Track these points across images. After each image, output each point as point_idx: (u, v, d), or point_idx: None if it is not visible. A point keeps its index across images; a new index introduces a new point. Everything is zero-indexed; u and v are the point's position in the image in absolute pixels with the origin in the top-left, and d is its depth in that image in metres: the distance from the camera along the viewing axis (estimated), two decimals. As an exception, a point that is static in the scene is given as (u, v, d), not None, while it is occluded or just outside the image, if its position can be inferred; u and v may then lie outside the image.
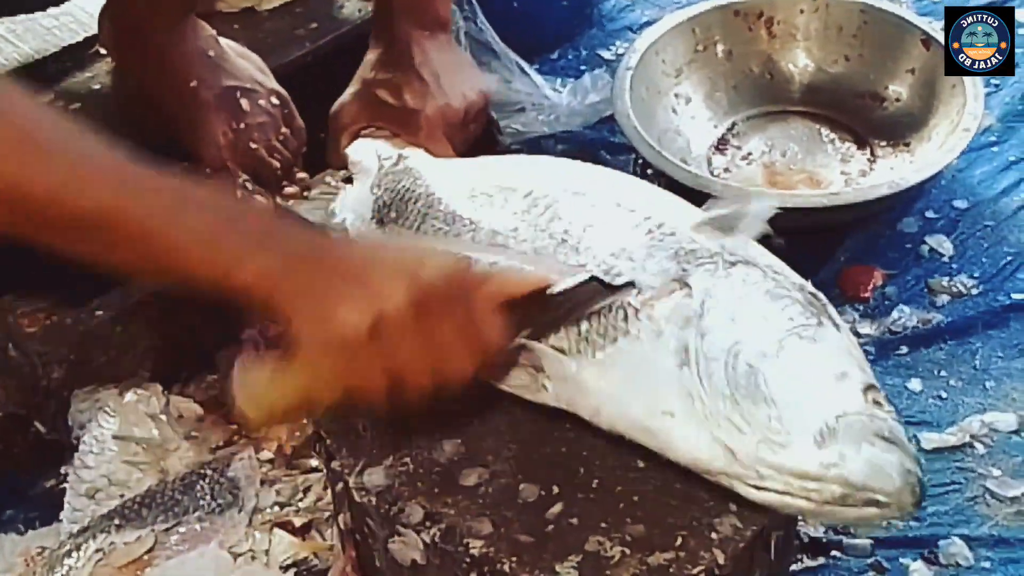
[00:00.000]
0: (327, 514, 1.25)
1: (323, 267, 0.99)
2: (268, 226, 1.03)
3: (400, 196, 1.28)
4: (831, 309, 1.08)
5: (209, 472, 1.29)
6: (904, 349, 1.47)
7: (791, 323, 1.04)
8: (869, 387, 1.02)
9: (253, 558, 1.25)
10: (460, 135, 1.41)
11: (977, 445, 1.36)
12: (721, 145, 1.74)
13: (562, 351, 1.05)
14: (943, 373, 1.44)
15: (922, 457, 1.03)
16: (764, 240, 1.52)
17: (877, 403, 1.01)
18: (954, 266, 1.56)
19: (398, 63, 1.40)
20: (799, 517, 1.16)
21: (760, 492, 0.99)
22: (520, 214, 1.18)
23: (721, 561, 0.98)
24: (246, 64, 1.48)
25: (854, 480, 0.96)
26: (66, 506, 1.29)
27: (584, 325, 1.05)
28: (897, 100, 1.73)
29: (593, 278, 1.06)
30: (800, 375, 1.01)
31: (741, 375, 1.00)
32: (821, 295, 1.09)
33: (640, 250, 1.10)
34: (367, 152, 1.38)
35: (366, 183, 1.34)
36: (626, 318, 1.04)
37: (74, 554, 1.23)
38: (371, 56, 1.43)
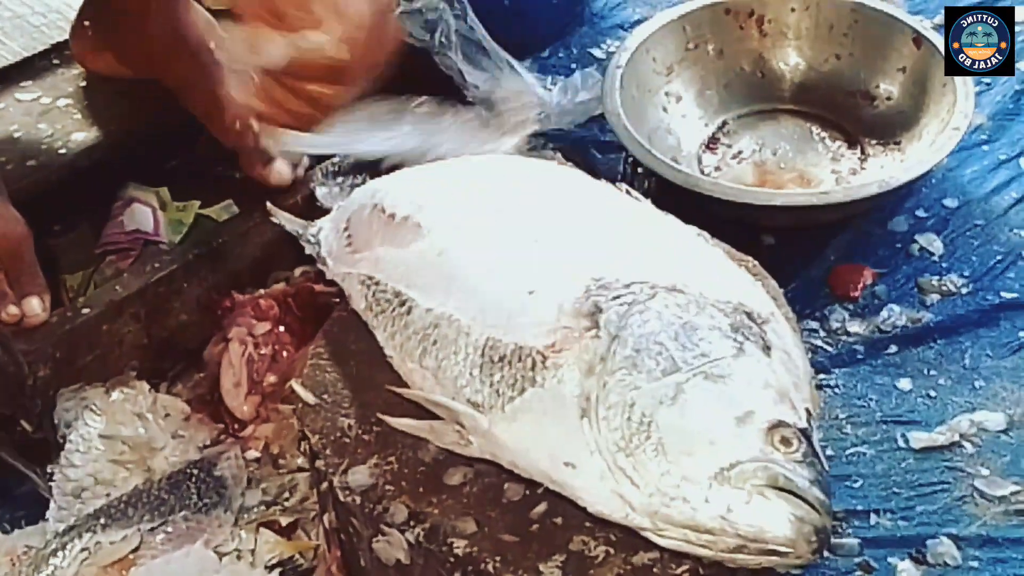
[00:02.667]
0: (313, 513, 1.25)
1: None
2: None
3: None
4: (769, 328, 1.05)
5: (195, 471, 1.29)
6: (894, 348, 1.46)
7: (701, 360, 1.00)
8: (776, 425, 0.98)
9: (239, 557, 1.24)
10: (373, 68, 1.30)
11: (966, 444, 1.36)
12: (712, 144, 1.74)
13: (477, 405, 1.03)
14: (932, 372, 1.43)
15: (827, 502, 0.98)
16: (754, 238, 1.53)
17: (783, 442, 0.98)
18: (944, 265, 1.56)
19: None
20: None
21: (664, 540, 0.97)
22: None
23: (705, 561, 0.98)
24: None
25: (744, 532, 0.94)
26: (52, 505, 1.29)
27: (496, 376, 1.03)
28: (888, 99, 1.72)
29: None
30: (696, 422, 0.97)
31: (635, 425, 0.97)
32: (762, 313, 1.06)
33: (555, 288, 1.07)
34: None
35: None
36: (534, 367, 1.01)
37: (60, 553, 1.23)
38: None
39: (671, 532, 0.96)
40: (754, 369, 1.01)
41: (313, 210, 1.38)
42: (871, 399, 1.40)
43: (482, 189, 1.23)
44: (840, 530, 1.28)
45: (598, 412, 0.98)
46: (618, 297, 1.03)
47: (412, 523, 1.02)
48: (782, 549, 0.95)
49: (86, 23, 1.54)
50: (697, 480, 0.95)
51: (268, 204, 1.39)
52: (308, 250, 1.31)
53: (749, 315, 1.05)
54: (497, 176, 1.28)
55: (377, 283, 1.16)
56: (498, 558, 0.99)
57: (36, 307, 1.28)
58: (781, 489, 0.95)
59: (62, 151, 1.47)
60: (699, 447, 0.96)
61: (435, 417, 1.07)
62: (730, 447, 0.96)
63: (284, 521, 1.27)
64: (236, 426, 1.35)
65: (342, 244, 1.25)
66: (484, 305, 1.07)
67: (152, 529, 1.25)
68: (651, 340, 1.01)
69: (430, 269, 1.13)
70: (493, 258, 1.12)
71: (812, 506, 0.95)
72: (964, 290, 1.52)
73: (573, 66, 1.86)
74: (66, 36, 1.60)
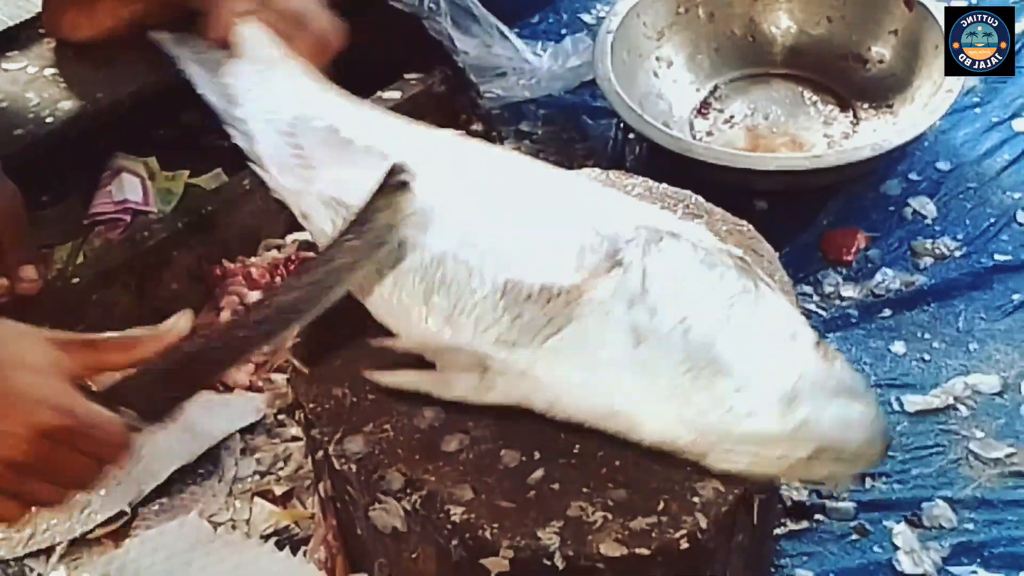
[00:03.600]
0: (308, 482, 1.25)
1: None
2: None
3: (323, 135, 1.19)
4: (759, 270, 1.07)
5: (189, 439, 1.29)
6: (887, 312, 1.46)
7: (732, 290, 1.02)
8: (818, 342, 1.02)
9: (234, 527, 1.24)
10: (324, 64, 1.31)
11: (960, 407, 1.36)
12: (703, 108, 1.73)
13: (510, 344, 1.02)
14: (926, 335, 1.44)
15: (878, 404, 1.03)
16: (746, 203, 1.52)
17: (828, 358, 1.01)
18: (937, 228, 1.55)
19: None
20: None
21: (727, 464, 0.98)
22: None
23: (703, 525, 0.97)
24: None
25: (824, 439, 0.97)
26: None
27: (526, 315, 1.02)
28: (880, 62, 1.72)
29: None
30: (753, 341, 1.00)
31: (696, 348, 0.98)
32: (747, 257, 1.08)
33: (567, 241, 1.06)
34: (261, 43, 1.27)
35: (264, 69, 1.25)
36: (568, 304, 1.01)
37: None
38: None
39: (739, 453, 0.97)
40: (775, 299, 1.04)
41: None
42: (865, 363, 1.40)
43: (437, 145, 1.19)
44: (835, 494, 1.28)
45: (652, 341, 0.99)
46: (630, 240, 1.04)
47: (408, 490, 1.01)
48: (853, 453, 0.97)
49: None
50: (771, 394, 0.97)
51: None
52: (235, 138, 1.21)
53: (741, 258, 1.07)
54: (447, 142, 1.23)
55: (348, 208, 1.11)
56: (495, 525, 0.98)
57: (31, 274, 1.28)
58: (847, 394, 0.98)
59: (49, 120, 1.46)
60: (764, 362, 0.99)
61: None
62: (792, 361, 0.99)
63: (279, 490, 1.26)
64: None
65: (287, 152, 1.18)
66: (489, 248, 1.05)
67: (146, 500, 1.25)
68: (682, 274, 1.03)
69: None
70: (481, 203, 1.10)
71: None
72: (957, 253, 1.52)
73: (563, 31, 1.86)
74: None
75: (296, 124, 1.19)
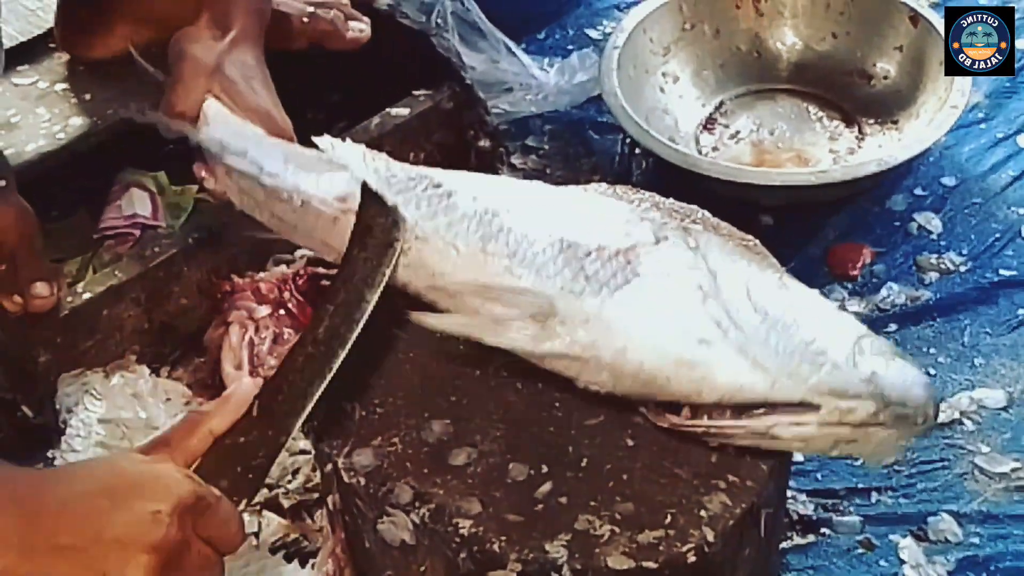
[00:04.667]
0: (316, 496, 1.25)
1: (40, 530, 0.85)
2: None
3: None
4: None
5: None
6: (893, 326, 1.47)
7: (772, 268, 1.08)
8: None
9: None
10: None
11: (966, 422, 1.36)
12: (709, 124, 1.74)
13: (577, 293, 1.04)
14: (932, 350, 1.44)
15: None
16: (752, 218, 1.53)
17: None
18: (942, 243, 1.56)
19: (242, 50, 1.34)
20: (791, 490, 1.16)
21: (797, 428, 1.00)
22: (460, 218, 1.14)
23: (711, 539, 0.98)
24: None
25: (888, 393, 1.00)
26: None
27: (590, 268, 1.04)
28: (885, 77, 1.72)
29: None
30: (811, 307, 1.05)
31: (767, 304, 1.02)
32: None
33: (613, 216, 1.11)
34: (225, 122, 1.29)
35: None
36: (629, 262, 1.04)
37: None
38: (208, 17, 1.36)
39: (810, 407, 0.99)
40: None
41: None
42: (871, 377, 1.41)
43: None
44: (841, 508, 1.29)
45: (720, 296, 1.02)
46: (666, 223, 1.09)
47: (417, 504, 1.02)
48: (911, 412, 1.00)
49: (77, 2, 1.53)
50: (841, 347, 1.00)
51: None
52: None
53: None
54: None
55: (386, 159, 1.16)
56: (503, 538, 0.99)
57: (43, 291, 1.28)
58: (904, 358, 1.03)
59: (60, 136, 1.47)
60: (829, 322, 1.03)
61: None
62: (848, 326, 1.04)
63: (287, 503, 1.27)
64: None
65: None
66: (542, 207, 1.10)
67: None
68: (727, 250, 1.07)
69: (455, 177, 1.15)
70: (515, 193, 1.14)
71: None
72: (963, 268, 1.53)
73: (569, 47, 1.87)
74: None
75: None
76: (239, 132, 1.26)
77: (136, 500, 0.87)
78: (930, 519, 1.27)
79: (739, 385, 1.00)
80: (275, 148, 1.23)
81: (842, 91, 1.74)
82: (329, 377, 1.01)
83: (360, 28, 1.49)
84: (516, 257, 1.05)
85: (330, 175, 1.16)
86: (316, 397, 1.00)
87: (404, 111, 1.51)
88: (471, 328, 1.07)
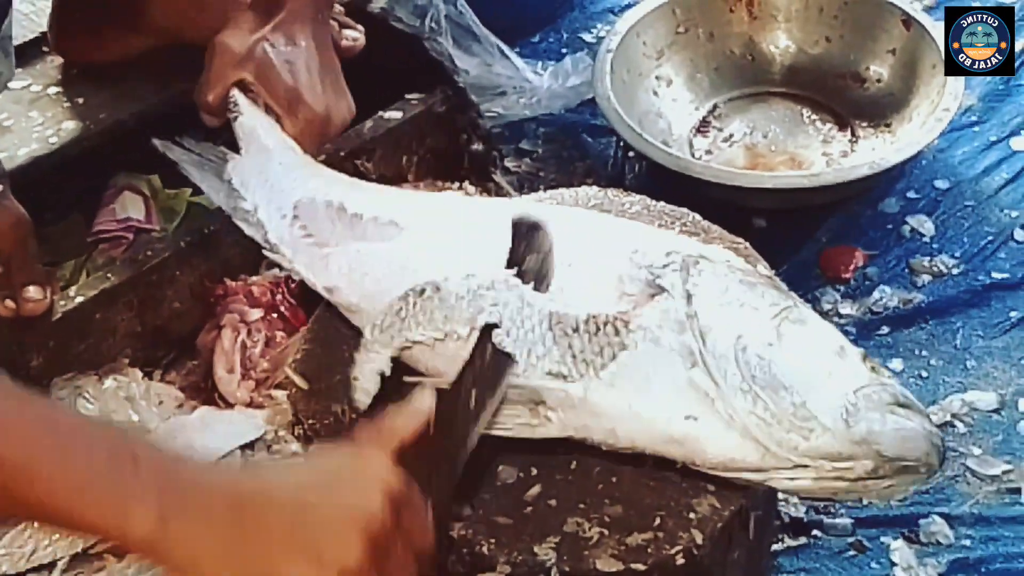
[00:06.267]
0: (308, 498, 1.25)
1: (250, 526, 0.85)
2: (168, 473, 0.86)
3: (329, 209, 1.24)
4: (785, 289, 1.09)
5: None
6: (885, 329, 1.47)
7: (776, 308, 1.04)
8: (864, 356, 1.04)
9: (234, 543, 1.24)
10: (318, 145, 1.35)
11: (958, 424, 1.36)
12: (703, 127, 1.74)
13: (563, 377, 1.02)
14: (924, 353, 1.44)
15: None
16: (746, 221, 1.53)
17: (876, 370, 1.03)
18: (935, 246, 1.56)
19: (288, 33, 1.33)
20: (787, 496, 1.16)
21: (793, 482, 0.99)
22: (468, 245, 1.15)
23: (699, 541, 0.98)
24: None
25: (886, 452, 0.97)
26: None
27: (577, 345, 1.02)
28: (878, 81, 1.73)
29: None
30: (807, 358, 1.01)
31: (755, 368, 0.99)
32: (774, 277, 1.10)
33: (605, 271, 1.08)
34: (256, 119, 1.31)
35: (263, 164, 1.29)
36: (617, 332, 1.02)
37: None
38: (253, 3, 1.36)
39: (806, 470, 0.98)
40: (814, 315, 1.06)
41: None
42: (863, 380, 1.41)
43: (435, 199, 1.27)
44: (832, 510, 1.29)
45: (708, 363, 0.99)
46: (666, 266, 1.06)
47: (407, 507, 1.02)
48: (914, 464, 0.98)
49: (72, 9, 1.54)
50: (832, 408, 0.98)
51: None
52: (248, 231, 1.25)
53: (770, 277, 1.09)
54: (451, 201, 1.30)
55: (367, 275, 1.16)
56: (492, 540, 0.99)
57: (36, 295, 1.28)
58: (903, 407, 0.99)
59: (53, 140, 1.47)
60: (821, 379, 1.00)
61: None
62: (846, 376, 1.00)
63: (279, 506, 1.26)
64: (230, 413, 1.34)
65: (297, 235, 1.22)
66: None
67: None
68: (726, 295, 1.04)
69: (435, 252, 1.13)
70: (499, 241, 1.10)
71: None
72: (955, 271, 1.53)
73: (563, 50, 1.87)
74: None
75: (300, 207, 1.24)
76: (267, 161, 1.28)
77: (351, 486, 0.87)
78: (921, 521, 1.27)
79: (730, 457, 0.99)
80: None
81: (835, 94, 1.74)
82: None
83: (354, 37, 1.48)
84: (508, 337, 1.02)
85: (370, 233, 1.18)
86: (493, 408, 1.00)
87: (397, 115, 1.51)
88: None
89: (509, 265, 1.06)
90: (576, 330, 1.02)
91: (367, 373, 1.05)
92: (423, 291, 1.06)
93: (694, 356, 1.00)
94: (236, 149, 1.31)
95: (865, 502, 1.29)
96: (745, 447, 0.98)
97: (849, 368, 1.02)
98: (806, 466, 0.98)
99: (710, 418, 0.99)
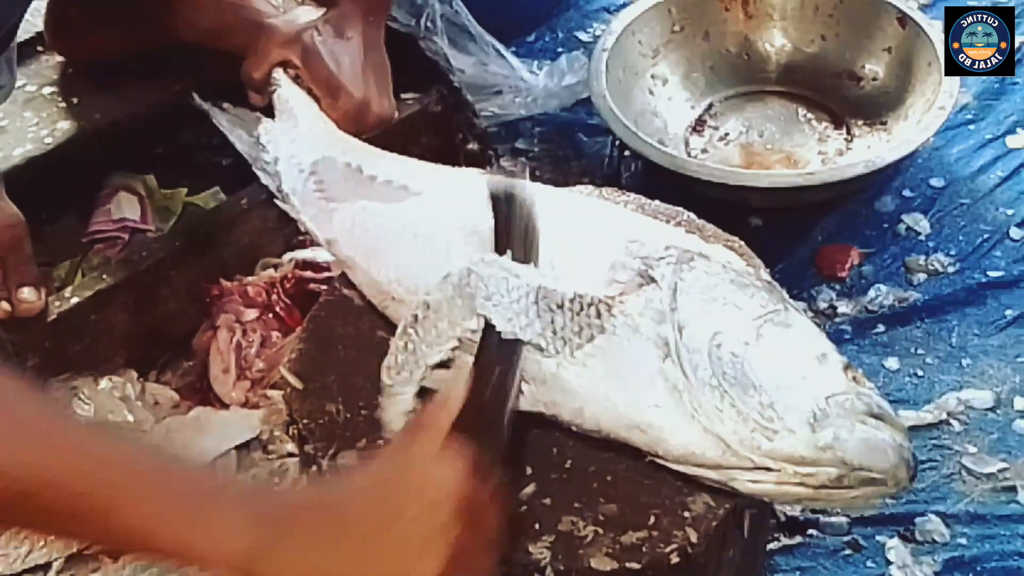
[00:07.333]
0: (304, 498, 1.25)
1: (339, 545, 0.86)
2: (255, 495, 0.90)
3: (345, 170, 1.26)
4: (785, 294, 1.08)
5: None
6: (881, 327, 1.47)
7: (762, 309, 1.03)
8: (847, 366, 1.02)
9: (230, 543, 1.24)
10: (353, 133, 1.35)
11: (953, 422, 1.36)
12: (698, 126, 1.74)
13: (540, 349, 1.02)
14: (920, 351, 1.44)
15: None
16: (741, 219, 1.53)
17: (856, 380, 1.01)
18: (931, 244, 1.56)
19: (338, 26, 1.37)
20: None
21: (755, 484, 0.98)
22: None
23: (694, 539, 0.98)
24: None
25: (851, 460, 0.96)
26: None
27: (559, 322, 1.02)
28: (874, 79, 1.73)
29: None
30: (783, 360, 1.00)
31: (726, 364, 0.99)
32: (773, 281, 1.09)
33: (600, 256, 1.09)
34: (293, 92, 1.35)
35: (292, 128, 1.31)
36: (599, 315, 1.02)
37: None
38: None
39: (766, 471, 0.97)
40: (803, 321, 1.05)
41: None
42: (859, 378, 1.41)
43: (455, 172, 1.27)
44: (828, 509, 1.28)
45: (681, 355, 0.99)
46: (661, 258, 1.06)
47: (401, 506, 1.02)
48: (880, 477, 0.96)
49: (67, 5, 1.54)
50: (800, 411, 0.97)
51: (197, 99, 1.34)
52: (264, 180, 1.26)
53: (768, 282, 1.08)
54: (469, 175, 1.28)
55: (367, 232, 1.17)
56: (488, 540, 0.99)
57: (31, 296, 1.29)
58: (876, 418, 0.98)
59: (48, 140, 1.47)
60: (794, 382, 0.99)
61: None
62: (821, 381, 0.99)
63: (275, 506, 1.26)
64: (226, 413, 1.35)
65: (309, 188, 1.23)
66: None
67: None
68: (712, 292, 1.04)
69: (437, 218, 1.15)
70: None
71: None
72: (951, 269, 1.53)
73: (559, 49, 1.87)
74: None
75: (319, 164, 1.25)
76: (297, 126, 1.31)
77: (419, 498, 0.87)
78: (917, 520, 1.27)
79: (691, 451, 0.98)
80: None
81: (831, 93, 1.74)
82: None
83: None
84: (491, 301, 1.02)
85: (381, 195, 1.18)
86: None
87: (393, 114, 1.51)
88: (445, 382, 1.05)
89: (496, 236, 1.06)
90: (560, 307, 1.03)
91: (396, 416, 1.05)
92: (415, 317, 1.06)
93: (668, 347, 1.00)
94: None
95: (876, 502, 1.29)
96: (706, 442, 0.98)
97: (826, 374, 1.01)
98: (768, 468, 0.97)
99: (675, 410, 0.99)
